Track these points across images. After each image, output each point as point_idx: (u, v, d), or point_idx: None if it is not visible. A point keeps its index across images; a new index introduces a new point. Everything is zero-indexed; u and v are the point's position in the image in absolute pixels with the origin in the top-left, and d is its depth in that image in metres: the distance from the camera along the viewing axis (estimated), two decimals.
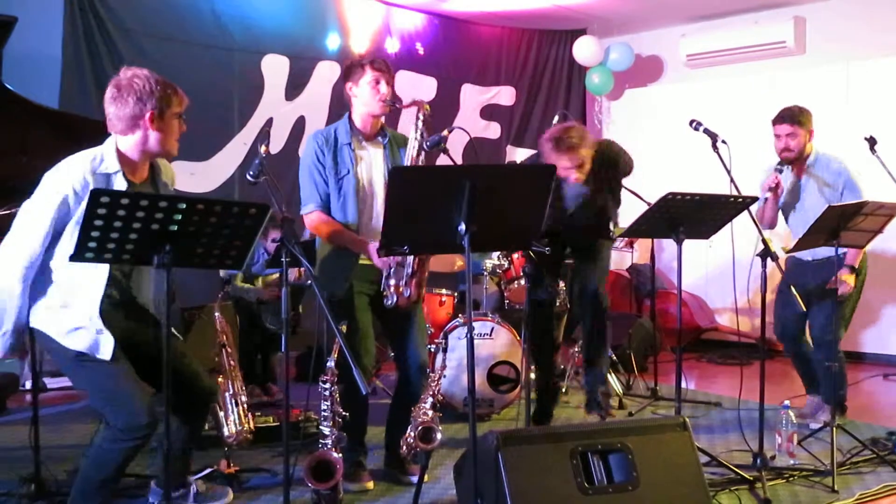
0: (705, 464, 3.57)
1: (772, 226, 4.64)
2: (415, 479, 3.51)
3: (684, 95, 7.62)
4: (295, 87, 6.69)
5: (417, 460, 3.59)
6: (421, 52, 7.45)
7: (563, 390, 5.23)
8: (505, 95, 8.08)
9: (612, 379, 5.27)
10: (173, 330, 3.18)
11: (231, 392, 3.81)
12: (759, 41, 7.23)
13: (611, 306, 4.66)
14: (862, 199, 4.25)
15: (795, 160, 4.53)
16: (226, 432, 3.73)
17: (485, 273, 5.53)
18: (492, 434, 2.88)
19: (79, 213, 2.73)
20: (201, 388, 3.15)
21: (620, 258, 7.29)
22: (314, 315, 3.39)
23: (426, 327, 4.02)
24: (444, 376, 3.83)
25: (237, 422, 3.77)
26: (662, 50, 8.11)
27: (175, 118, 2.94)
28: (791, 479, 3.73)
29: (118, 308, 2.95)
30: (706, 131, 3.91)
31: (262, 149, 3.14)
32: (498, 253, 5.46)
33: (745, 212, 3.71)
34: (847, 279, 4.43)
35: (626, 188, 4.81)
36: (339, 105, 3.76)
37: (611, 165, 4.40)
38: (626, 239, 5.80)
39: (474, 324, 4.57)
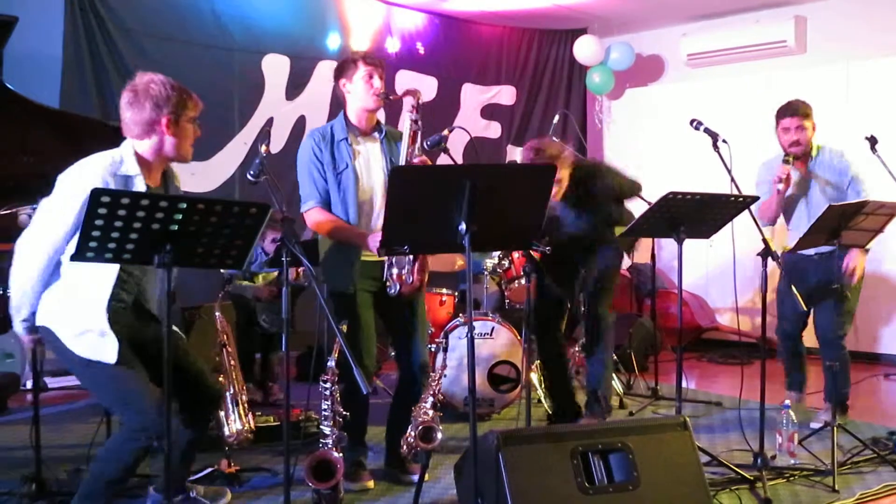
0: (706, 463, 3.57)
1: (773, 221, 4.61)
2: (415, 478, 3.50)
3: (685, 95, 7.61)
4: (295, 86, 6.70)
5: (418, 460, 3.59)
6: (421, 51, 7.45)
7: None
8: (505, 95, 8.08)
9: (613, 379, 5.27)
10: (178, 329, 3.20)
11: (232, 392, 3.81)
12: (759, 41, 7.23)
13: (612, 307, 4.62)
14: (864, 195, 4.26)
15: (803, 154, 4.52)
16: (226, 432, 3.73)
17: (485, 272, 5.53)
18: (492, 434, 2.88)
19: None
20: (207, 389, 3.16)
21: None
22: (310, 315, 3.39)
23: (428, 327, 4.03)
24: (445, 376, 3.83)
25: (237, 421, 3.77)
26: (663, 49, 8.11)
27: (190, 123, 2.97)
28: (792, 478, 3.72)
29: (126, 309, 2.97)
30: (707, 131, 3.91)
31: (263, 148, 3.15)
32: (498, 252, 5.46)
33: (746, 211, 3.70)
34: (857, 261, 4.39)
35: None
36: (340, 105, 3.76)
37: (585, 184, 4.33)
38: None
39: (475, 323, 4.58)
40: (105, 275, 2.85)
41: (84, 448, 3.73)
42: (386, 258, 3.53)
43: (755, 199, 3.74)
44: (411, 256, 3.53)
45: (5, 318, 3.09)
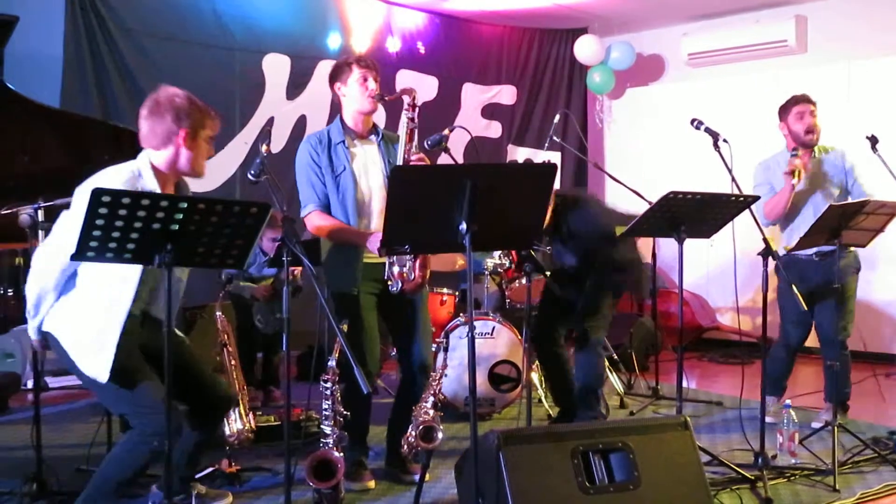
0: (706, 463, 3.57)
1: (780, 217, 4.53)
2: (416, 478, 3.51)
3: (685, 94, 7.62)
4: (296, 86, 6.70)
5: (419, 459, 3.59)
6: (422, 51, 7.45)
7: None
8: (506, 94, 8.08)
9: (613, 378, 5.27)
10: (181, 334, 3.20)
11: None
12: (760, 40, 7.23)
13: (613, 307, 4.61)
14: (866, 193, 4.26)
15: (811, 144, 4.52)
16: (227, 431, 3.73)
17: (486, 272, 5.53)
18: (493, 433, 2.88)
19: None
20: (220, 394, 3.18)
21: None
22: (310, 315, 3.39)
23: (430, 327, 4.02)
24: (446, 375, 3.83)
25: (238, 421, 3.77)
26: (664, 49, 8.11)
27: (207, 141, 3.00)
28: (792, 478, 3.73)
29: (137, 320, 2.97)
30: (707, 130, 3.91)
31: (264, 148, 3.15)
32: (499, 252, 5.46)
33: (747, 211, 3.70)
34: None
35: (628, 188, 4.78)
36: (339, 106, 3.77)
37: (565, 215, 4.30)
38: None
39: (475, 323, 4.58)
40: (124, 289, 2.85)
41: (85, 448, 3.74)
42: (387, 258, 3.53)
43: (756, 198, 3.74)
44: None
45: (5, 318, 3.10)
